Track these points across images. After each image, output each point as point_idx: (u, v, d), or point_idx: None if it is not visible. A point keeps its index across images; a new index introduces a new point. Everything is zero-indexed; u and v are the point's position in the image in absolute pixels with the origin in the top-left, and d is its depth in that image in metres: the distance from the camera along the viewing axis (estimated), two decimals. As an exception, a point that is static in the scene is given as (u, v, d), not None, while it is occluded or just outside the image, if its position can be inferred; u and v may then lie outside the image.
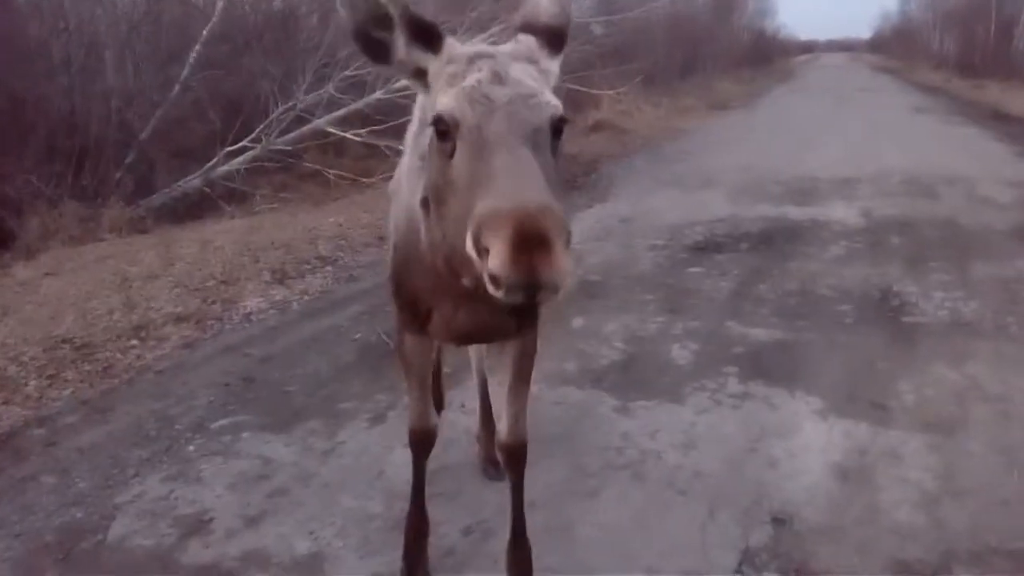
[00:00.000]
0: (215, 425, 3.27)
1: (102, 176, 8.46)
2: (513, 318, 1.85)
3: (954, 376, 3.54)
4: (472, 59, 1.45)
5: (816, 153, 10.73)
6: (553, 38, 1.59)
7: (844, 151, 10.88)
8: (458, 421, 3.16)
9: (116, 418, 3.41)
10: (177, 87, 9.33)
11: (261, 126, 9.29)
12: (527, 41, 1.56)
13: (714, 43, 26.19)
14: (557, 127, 1.41)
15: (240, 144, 9.14)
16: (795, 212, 7.14)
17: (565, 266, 1.15)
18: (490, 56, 1.46)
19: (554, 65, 1.57)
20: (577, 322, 4.37)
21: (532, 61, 1.50)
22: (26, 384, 3.75)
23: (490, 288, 1.17)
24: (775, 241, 6.17)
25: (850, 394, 3.35)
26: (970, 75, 24.74)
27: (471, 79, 1.39)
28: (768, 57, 37.14)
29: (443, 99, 1.40)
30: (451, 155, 1.36)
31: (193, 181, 8.84)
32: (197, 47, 9.33)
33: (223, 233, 6.93)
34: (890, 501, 2.57)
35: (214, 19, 9.38)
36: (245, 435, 3.16)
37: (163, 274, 5.56)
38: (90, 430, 3.29)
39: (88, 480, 2.88)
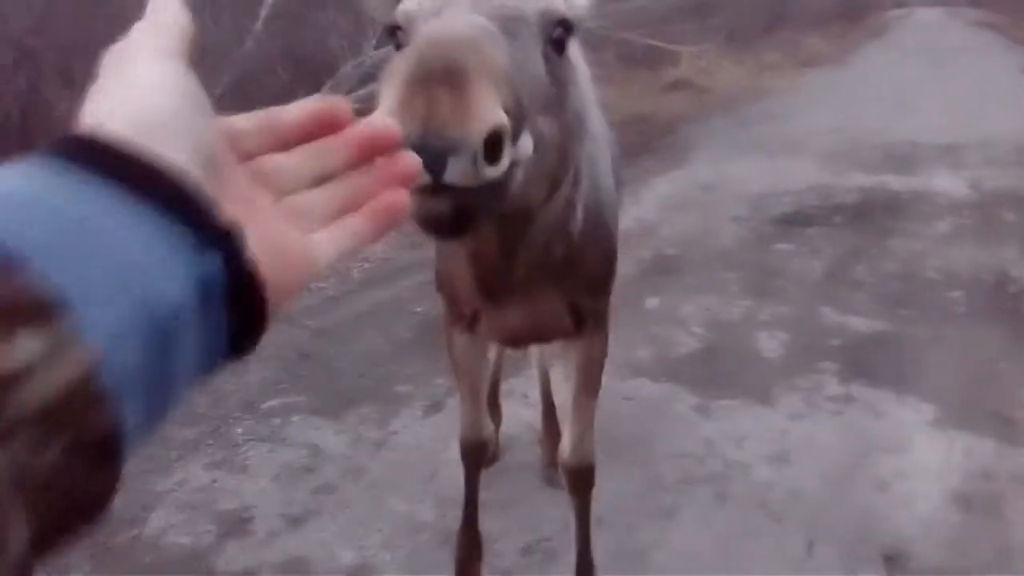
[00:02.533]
0: (266, 405, 3.09)
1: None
2: (570, 315, 1.56)
3: (1091, 384, 3.07)
4: None
5: (915, 116, 9.91)
6: None
7: (946, 114, 10.02)
8: (520, 414, 2.89)
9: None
10: (250, 40, 9.19)
11: (330, 82, 9.10)
12: None
13: (802, -4, 24.73)
14: (556, 33, 1.08)
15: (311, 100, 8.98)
16: (894, 181, 6.54)
17: (481, 110, 0.78)
18: None
19: None
20: (651, 302, 4.03)
21: None
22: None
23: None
24: (872, 215, 5.64)
25: (969, 402, 2.93)
26: (1086, 31, 22.70)
27: None
28: (859, 12, 35.02)
29: (402, 3, 1.10)
30: None
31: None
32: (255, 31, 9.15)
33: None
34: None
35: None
36: (295, 419, 2.97)
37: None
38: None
39: (133, 461, 2.73)
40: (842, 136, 8.53)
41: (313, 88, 9.05)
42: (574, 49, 1.27)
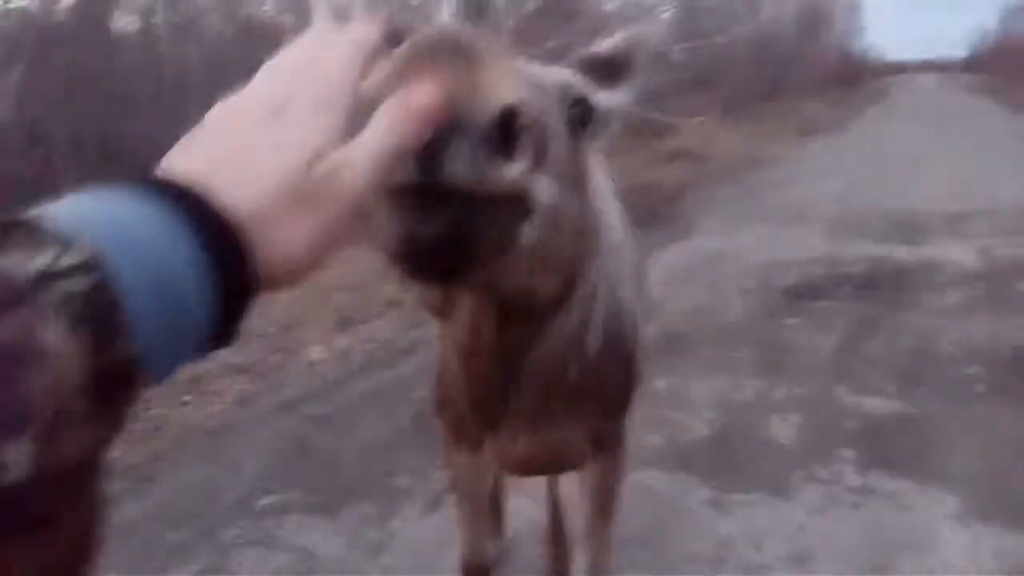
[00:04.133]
0: (259, 504, 2.97)
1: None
2: (589, 442, 1.44)
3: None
4: None
5: (919, 183, 9.93)
6: (607, 69, 1.14)
7: (949, 182, 10.03)
8: (523, 510, 2.75)
9: (159, 489, 3.16)
10: None
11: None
12: (563, 71, 1.09)
13: (800, 64, 25.25)
14: (576, 110, 0.97)
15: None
16: (902, 252, 6.48)
17: (494, 83, 0.61)
18: None
19: (603, 95, 1.09)
20: (660, 384, 3.92)
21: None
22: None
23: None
24: (882, 286, 5.56)
25: (994, 491, 2.79)
26: (1081, 94, 23.00)
27: None
28: (857, 79, 35.72)
29: None
30: None
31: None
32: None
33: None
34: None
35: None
36: (290, 518, 2.85)
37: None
38: (129, 504, 3.04)
39: (116, 570, 2.61)
40: (846, 204, 8.54)
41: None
42: (593, 145, 1.18)
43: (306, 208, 0.48)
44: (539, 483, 2.66)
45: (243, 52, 10.13)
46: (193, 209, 0.43)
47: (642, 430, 3.34)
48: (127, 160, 8.71)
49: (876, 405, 3.56)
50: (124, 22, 9.59)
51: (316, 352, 4.73)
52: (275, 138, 0.49)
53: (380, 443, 3.44)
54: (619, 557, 2.43)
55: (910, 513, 2.68)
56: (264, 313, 5.38)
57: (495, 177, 0.64)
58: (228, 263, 0.44)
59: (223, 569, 2.56)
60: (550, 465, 1.53)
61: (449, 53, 0.61)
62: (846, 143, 15.68)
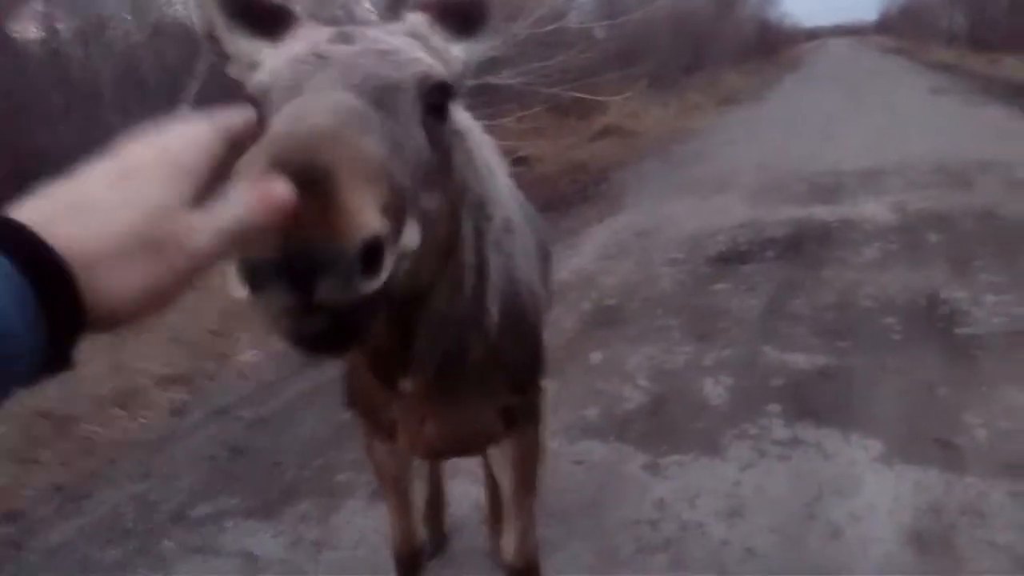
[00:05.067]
0: (196, 513, 2.92)
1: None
2: (500, 419, 1.47)
3: (1026, 400, 3.12)
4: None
5: (835, 145, 10.26)
6: (457, 16, 1.13)
7: (865, 141, 10.40)
8: (468, 492, 2.78)
9: (92, 507, 3.07)
10: (195, 80, 9.04)
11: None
12: (414, 18, 1.13)
13: (718, 37, 25.71)
14: (435, 99, 0.98)
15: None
16: (822, 212, 6.70)
17: (354, 217, 0.67)
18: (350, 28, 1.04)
19: (456, 49, 1.12)
20: (595, 357, 3.99)
21: (415, 35, 1.08)
22: (-2, 471, 3.43)
23: (231, 285, 0.69)
24: (804, 246, 5.75)
25: (912, 432, 2.93)
26: (984, 49, 24.03)
27: (307, 44, 0.97)
28: (774, 47, 36.55)
29: (259, 71, 0.99)
30: None
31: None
32: (195, 82, 9.07)
33: (223, 274, 6.63)
34: None
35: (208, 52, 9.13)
36: (229, 524, 2.81)
37: (156, 327, 5.25)
38: (62, 524, 2.96)
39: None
40: (767, 170, 8.77)
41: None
42: (459, 114, 1.20)
43: (147, 258, 0.53)
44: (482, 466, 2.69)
45: (154, 56, 9.81)
46: (22, 243, 0.48)
47: (580, 402, 3.42)
48: (45, 176, 8.36)
49: (800, 360, 3.69)
50: (24, 30, 9.17)
51: (250, 356, 4.65)
52: (122, 195, 0.55)
53: (319, 441, 3.41)
54: (560, 529, 2.49)
55: (835, 460, 2.79)
56: (194, 318, 5.26)
57: (364, 290, 0.71)
58: (54, 293, 0.49)
59: (163, 581, 2.52)
60: (462, 445, 1.55)
61: (305, 186, 0.65)
62: (765, 111, 16.07)
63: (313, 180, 0.66)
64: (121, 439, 3.69)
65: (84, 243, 0.51)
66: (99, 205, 0.53)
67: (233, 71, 1.12)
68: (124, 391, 4.20)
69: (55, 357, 0.50)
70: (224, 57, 1.11)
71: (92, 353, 4.76)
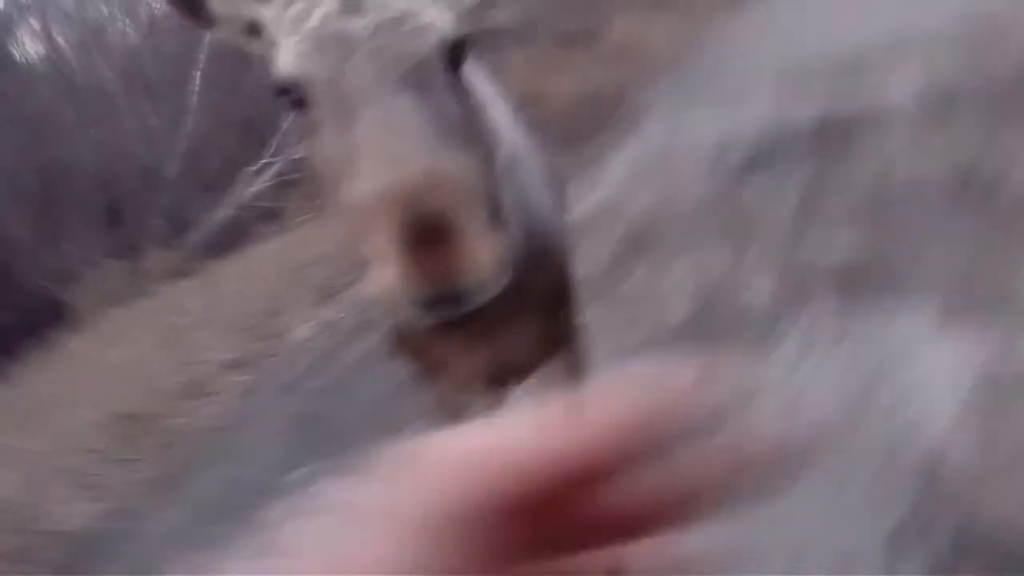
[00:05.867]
0: (289, 480, 3.09)
1: (138, 228, 8.46)
2: (541, 345, 1.55)
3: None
4: None
5: (855, 23, 9.86)
6: None
7: (885, 10, 9.98)
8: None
9: (188, 493, 3.28)
10: (189, 118, 9.21)
11: (276, 139, 9.10)
12: None
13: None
14: (454, 53, 1.04)
15: (263, 162, 9.01)
16: (846, 98, 6.54)
17: (484, 255, 0.91)
18: None
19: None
20: (632, 281, 4.05)
21: None
22: (97, 473, 3.66)
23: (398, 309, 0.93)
24: (831, 137, 5.64)
25: (964, 301, 2.93)
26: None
27: (315, 17, 1.00)
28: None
29: (282, 57, 1.03)
30: (319, 130, 1.02)
31: (224, 211, 8.76)
32: (198, 73, 9.16)
33: (263, 258, 6.80)
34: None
35: (207, 39, 9.19)
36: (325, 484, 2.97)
37: (212, 318, 5.45)
38: (166, 512, 3.18)
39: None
40: (787, 66, 8.51)
41: (260, 148, 9.07)
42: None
43: None
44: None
45: (154, 53, 9.89)
46: None
47: (621, 329, 3.48)
48: (74, 190, 8.58)
49: (841, 249, 3.68)
50: (27, 48, 9.30)
51: (305, 329, 4.81)
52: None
53: (384, 398, 3.55)
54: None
55: (889, 334, 2.82)
56: (244, 304, 5.44)
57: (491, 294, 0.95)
58: None
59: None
60: (512, 371, 1.63)
61: (436, 240, 0.87)
62: (778, 4, 15.49)
63: (441, 233, 0.86)
64: (200, 427, 3.89)
65: None
66: None
67: (223, 34, 1.16)
68: (194, 381, 4.40)
69: None
70: (199, 22, 1.14)
71: (158, 350, 4.98)
